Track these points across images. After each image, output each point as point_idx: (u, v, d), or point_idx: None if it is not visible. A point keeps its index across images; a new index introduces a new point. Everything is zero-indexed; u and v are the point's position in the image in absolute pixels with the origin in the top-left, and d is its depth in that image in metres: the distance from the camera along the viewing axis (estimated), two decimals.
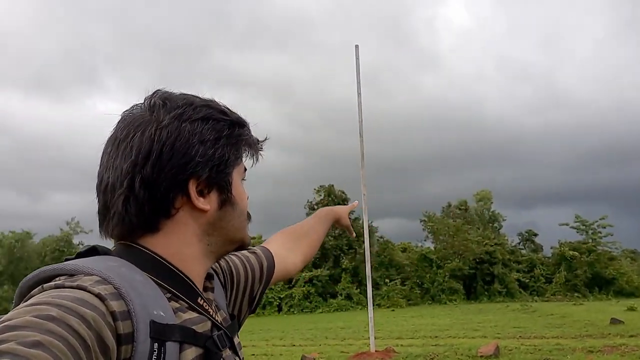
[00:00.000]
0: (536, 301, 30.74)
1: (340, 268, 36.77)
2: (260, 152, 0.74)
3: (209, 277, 0.72)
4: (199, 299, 0.65)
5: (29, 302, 0.49)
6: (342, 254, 37.51)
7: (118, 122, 0.65)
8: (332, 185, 38.99)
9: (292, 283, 36.36)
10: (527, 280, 36.50)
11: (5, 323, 0.44)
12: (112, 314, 0.50)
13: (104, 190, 0.63)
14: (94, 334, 0.47)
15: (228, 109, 0.69)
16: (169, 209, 0.62)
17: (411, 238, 49.00)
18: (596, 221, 35.47)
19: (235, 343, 0.70)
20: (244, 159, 0.71)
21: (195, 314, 0.62)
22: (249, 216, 0.72)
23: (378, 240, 40.63)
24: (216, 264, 0.82)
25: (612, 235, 35.12)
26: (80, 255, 0.60)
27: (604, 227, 35.16)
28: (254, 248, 0.95)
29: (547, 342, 10.26)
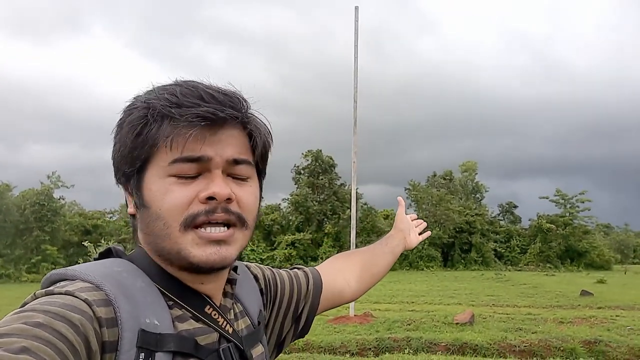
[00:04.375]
0: (510, 271, 31.73)
1: (323, 232, 37.26)
2: (194, 127, 0.55)
3: (230, 282, 0.67)
4: (208, 307, 0.61)
5: (18, 309, 0.50)
6: (325, 219, 37.93)
7: None
8: (320, 151, 38.87)
9: (274, 245, 36.85)
10: (502, 250, 37.60)
11: None
12: (99, 319, 0.50)
13: None
14: (82, 339, 0.47)
15: (148, 92, 0.59)
16: (129, 204, 0.63)
17: (394, 205, 49.40)
18: (575, 195, 36.34)
19: (255, 355, 0.65)
20: (170, 148, 0.55)
21: (198, 325, 0.59)
22: (190, 222, 0.56)
23: (362, 206, 41.09)
24: (260, 270, 0.77)
25: (589, 209, 36.13)
26: (101, 255, 0.62)
27: (583, 202, 36.09)
28: (304, 267, 0.89)
29: (519, 310, 10.66)
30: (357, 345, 7.66)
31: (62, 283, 0.54)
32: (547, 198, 37.76)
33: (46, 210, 30.32)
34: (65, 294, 0.51)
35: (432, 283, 21.49)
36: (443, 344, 7.37)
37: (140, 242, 0.62)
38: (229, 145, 0.57)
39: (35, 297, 0.52)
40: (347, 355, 7.39)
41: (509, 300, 12.99)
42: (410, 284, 21.39)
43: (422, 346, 7.36)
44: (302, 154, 39.94)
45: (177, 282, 0.59)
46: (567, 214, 36.07)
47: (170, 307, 0.57)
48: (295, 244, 36.33)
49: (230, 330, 0.62)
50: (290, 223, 38.47)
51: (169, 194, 0.56)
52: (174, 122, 0.55)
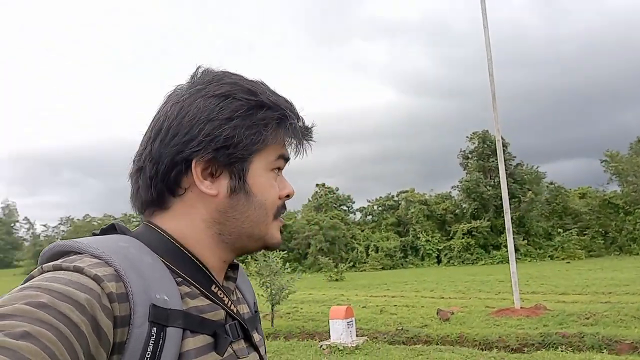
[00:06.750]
0: None
1: (503, 218, 34.23)
2: (305, 141, 0.66)
3: (233, 267, 0.70)
4: (214, 286, 0.62)
5: (24, 285, 0.48)
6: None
7: None
8: (487, 131, 35.94)
9: (450, 235, 35.42)
10: None
11: None
12: (109, 295, 0.49)
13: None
14: (88, 319, 0.46)
15: (263, 90, 0.63)
16: (175, 188, 0.61)
17: (591, 182, 42.74)
18: None
19: (257, 339, 0.68)
20: (279, 146, 0.64)
21: (207, 302, 0.60)
22: (278, 213, 0.66)
23: (548, 186, 36.48)
24: None
25: None
26: (103, 232, 0.61)
27: None
28: None
29: None
30: (517, 340, 6.90)
31: (71, 257, 0.53)
32: None
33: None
34: (73, 271, 0.50)
35: None
36: (628, 342, 6.09)
37: (179, 220, 0.62)
38: None
39: (43, 271, 0.51)
40: (503, 351, 6.72)
41: None
42: (616, 271, 18.15)
43: (599, 343, 6.21)
44: (467, 137, 37.55)
45: (187, 260, 0.61)
46: None
47: (178, 284, 0.57)
48: (473, 233, 34.29)
49: (235, 310, 0.64)
50: (465, 211, 36.47)
51: (273, 187, 0.64)
52: (287, 126, 0.63)
